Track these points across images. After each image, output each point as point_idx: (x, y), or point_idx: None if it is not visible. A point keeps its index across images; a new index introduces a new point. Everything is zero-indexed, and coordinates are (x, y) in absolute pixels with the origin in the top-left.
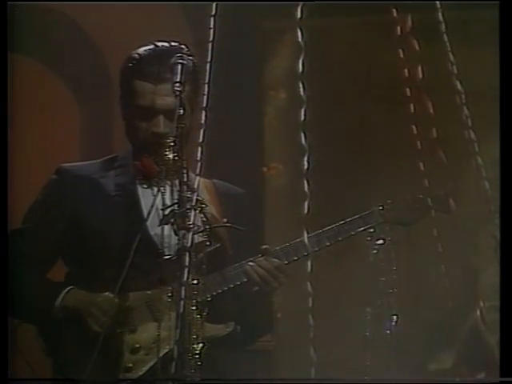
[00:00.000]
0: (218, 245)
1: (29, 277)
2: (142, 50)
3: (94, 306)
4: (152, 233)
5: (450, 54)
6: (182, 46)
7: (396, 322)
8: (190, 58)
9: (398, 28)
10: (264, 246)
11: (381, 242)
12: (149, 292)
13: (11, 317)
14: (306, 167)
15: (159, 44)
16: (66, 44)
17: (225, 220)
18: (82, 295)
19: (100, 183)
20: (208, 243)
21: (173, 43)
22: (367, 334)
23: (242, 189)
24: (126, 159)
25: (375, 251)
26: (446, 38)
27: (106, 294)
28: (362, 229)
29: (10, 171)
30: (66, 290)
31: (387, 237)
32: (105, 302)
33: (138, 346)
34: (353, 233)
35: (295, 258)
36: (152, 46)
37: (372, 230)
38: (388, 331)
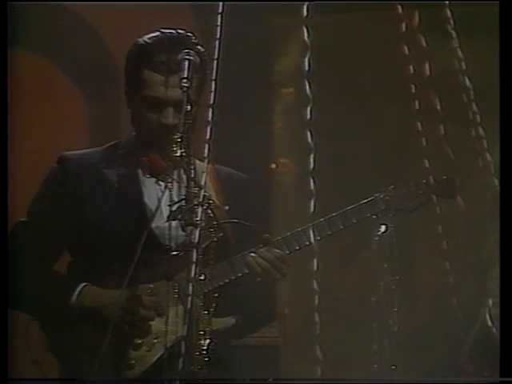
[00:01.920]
0: (221, 234)
1: (36, 269)
2: (149, 37)
3: (116, 305)
4: (159, 223)
5: (459, 50)
6: (189, 34)
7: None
8: (198, 47)
9: (404, 25)
10: (265, 235)
11: (383, 228)
12: (151, 285)
13: (20, 311)
14: (312, 165)
15: (166, 31)
16: (70, 36)
17: (226, 207)
18: (99, 293)
19: (103, 173)
20: (214, 235)
21: (179, 31)
22: (374, 324)
23: (249, 186)
24: (128, 147)
25: (377, 238)
26: (454, 34)
27: (127, 291)
28: (365, 216)
29: (13, 167)
30: (80, 287)
31: (390, 224)
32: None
33: (140, 341)
34: (355, 220)
35: (297, 248)
36: (159, 34)
37: (374, 217)
38: (391, 320)
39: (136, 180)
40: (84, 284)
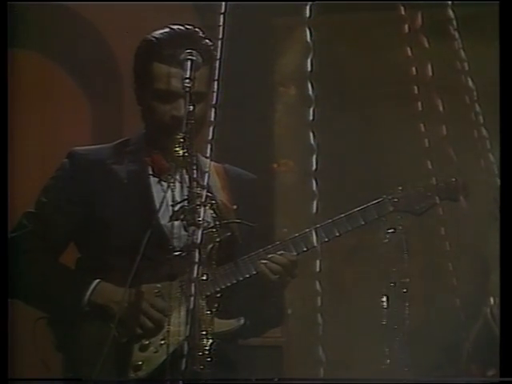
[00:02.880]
0: (228, 234)
1: (41, 260)
2: (158, 33)
3: (127, 303)
4: (163, 222)
5: (462, 50)
6: (197, 30)
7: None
8: (206, 41)
9: (406, 26)
10: (284, 230)
11: (392, 230)
12: (158, 285)
13: (23, 302)
14: (314, 167)
15: (174, 27)
16: (71, 36)
17: (235, 207)
18: (112, 290)
19: (112, 169)
20: (217, 235)
21: (188, 26)
22: (383, 322)
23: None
24: (138, 144)
25: (386, 240)
26: (457, 35)
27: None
28: (373, 218)
29: (14, 167)
30: (95, 283)
31: (398, 226)
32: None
33: (147, 342)
34: (363, 222)
35: (305, 250)
36: (167, 29)
37: (383, 219)
38: (401, 321)
39: (145, 177)
40: (98, 280)
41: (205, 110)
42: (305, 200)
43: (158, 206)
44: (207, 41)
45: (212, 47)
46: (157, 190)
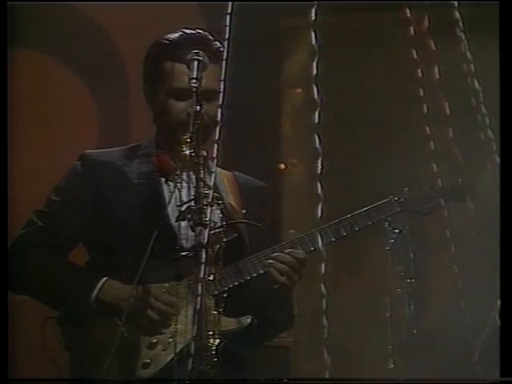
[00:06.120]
0: (235, 235)
1: (50, 258)
2: (169, 35)
3: (135, 300)
4: (171, 222)
5: (468, 52)
6: (207, 33)
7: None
8: (215, 42)
9: (412, 27)
10: (291, 231)
11: (398, 231)
12: (167, 285)
13: (33, 299)
14: (319, 170)
15: (185, 30)
16: (76, 35)
17: (244, 211)
18: (120, 288)
19: (123, 170)
20: (223, 235)
21: (199, 30)
22: (388, 319)
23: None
24: (150, 147)
25: (392, 240)
26: (463, 36)
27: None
28: (379, 218)
29: (18, 167)
30: (102, 281)
31: (404, 226)
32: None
33: (155, 340)
34: (369, 222)
35: (312, 249)
36: (178, 32)
37: (389, 220)
38: (408, 322)
39: (157, 179)
40: (106, 278)
41: (216, 106)
42: (311, 202)
43: (169, 201)
44: (217, 42)
45: (222, 48)
46: (164, 190)
